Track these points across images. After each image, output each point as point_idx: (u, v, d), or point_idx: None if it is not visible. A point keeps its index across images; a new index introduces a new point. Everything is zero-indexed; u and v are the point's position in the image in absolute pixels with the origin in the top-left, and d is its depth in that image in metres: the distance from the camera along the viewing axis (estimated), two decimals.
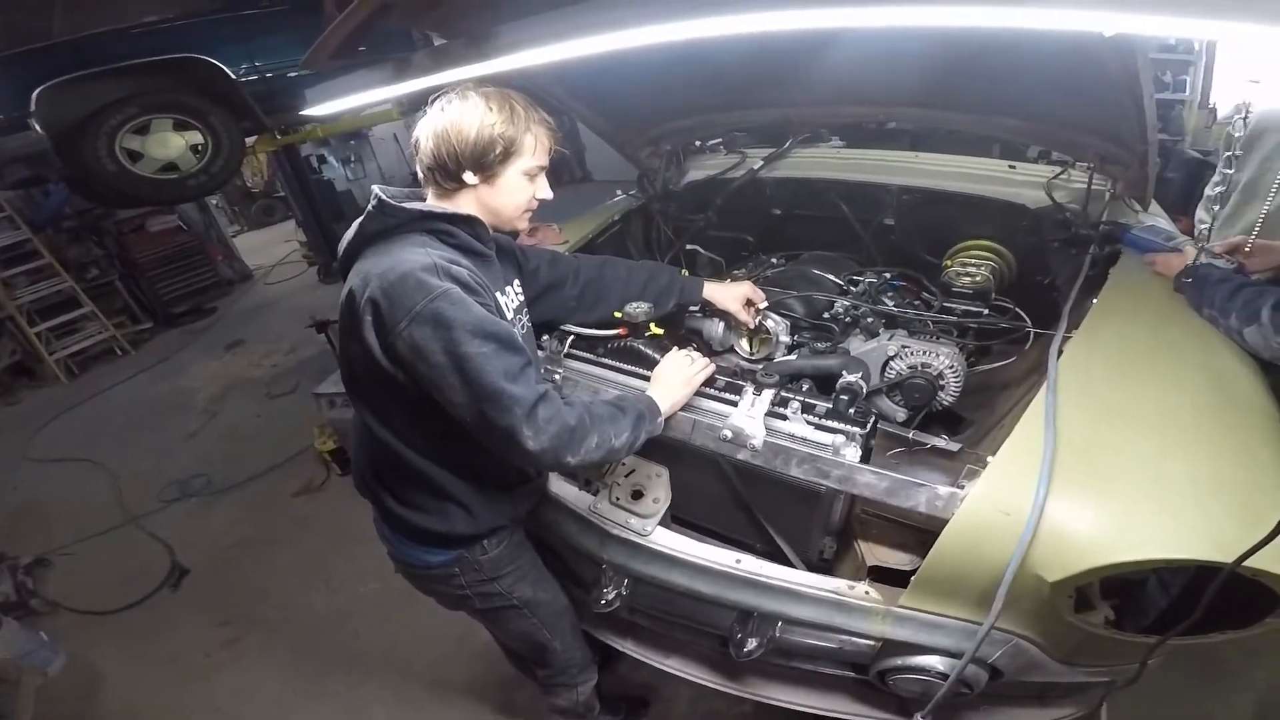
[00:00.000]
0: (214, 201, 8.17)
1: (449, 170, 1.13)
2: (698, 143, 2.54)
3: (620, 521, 1.39)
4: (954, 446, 1.18)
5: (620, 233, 2.41)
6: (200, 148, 3.65)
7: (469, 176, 1.13)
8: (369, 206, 1.15)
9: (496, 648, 1.84)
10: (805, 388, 1.40)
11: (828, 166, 2.24)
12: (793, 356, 1.53)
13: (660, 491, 1.42)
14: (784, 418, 1.31)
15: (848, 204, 2.19)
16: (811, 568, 1.40)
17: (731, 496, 1.47)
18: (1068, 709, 1.33)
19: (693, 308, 1.71)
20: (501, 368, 1.05)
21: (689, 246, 2.37)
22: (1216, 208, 2.06)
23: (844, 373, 1.37)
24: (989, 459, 1.09)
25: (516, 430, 1.05)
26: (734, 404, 1.35)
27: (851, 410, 1.30)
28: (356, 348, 1.13)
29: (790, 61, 1.84)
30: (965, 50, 1.55)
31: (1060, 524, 0.97)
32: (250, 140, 4.19)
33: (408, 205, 1.14)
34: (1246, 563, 0.83)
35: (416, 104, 1.23)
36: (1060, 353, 1.29)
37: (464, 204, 1.19)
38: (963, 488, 1.08)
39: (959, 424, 1.73)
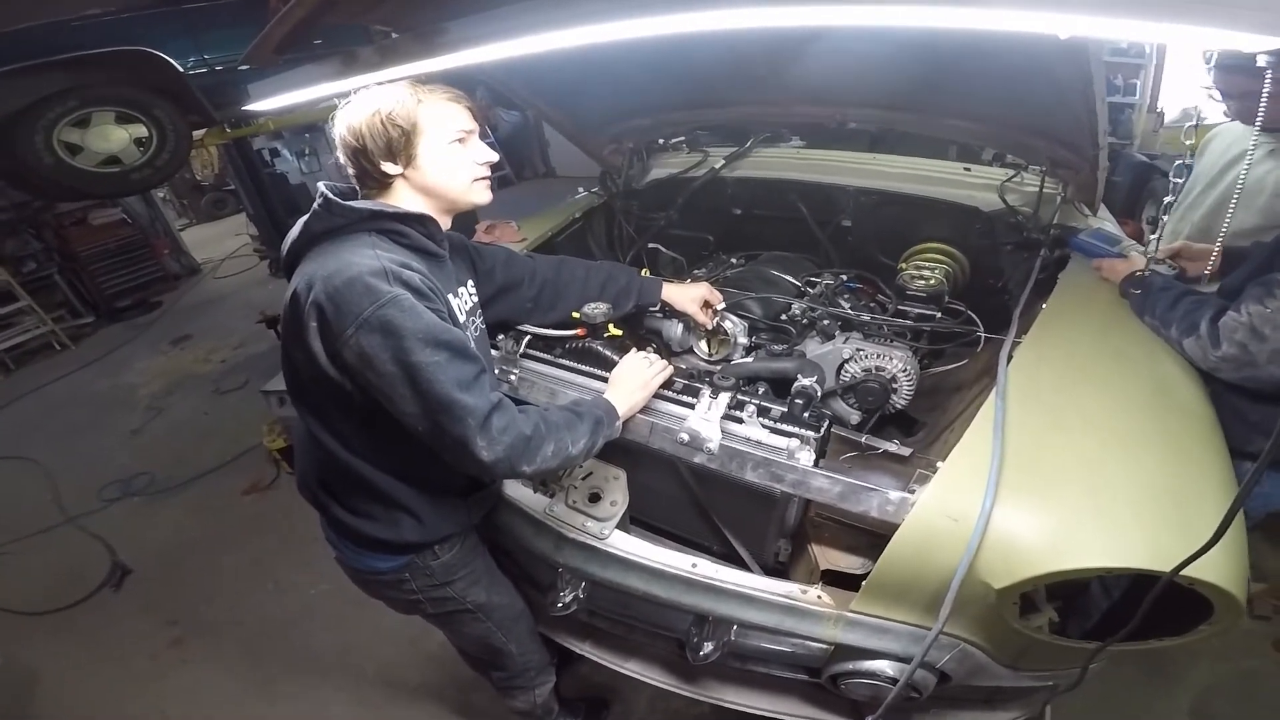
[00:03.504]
0: (161, 195, 7.81)
1: (369, 171, 1.11)
2: (660, 141, 2.52)
3: (577, 525, 1.37)
4: (905, 451, 1.19)
5: (581, 230, 2.38)
6: (144, 141, 3.49)
7: (389, 167, 1.11)
8: (315, 204, 1.11)
9: (453, 649, 1.81)
10: (761, 390, 1.40)
11: (788, 167, 2.25)
12: (749, 359, 1.53)
13: (618, 494, 1.40)
14: (740, 421, 1.30)
15: (806, 204, 2.20)
16: (767, 570, 1.41)
17: (688, 499, 1.47)
18: (1014, 711, 1.36)
19: (652, 308, 1.70)
20: (454, 377, 1.02)
21: (650, 245, 2.35)
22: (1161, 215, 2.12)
23: (799, 376, 1.38)
24: (939, 464, 1.10)
25: (470, 440, 1.03)
26: (691, 406, 1.34)
27: (806, 414, 1.30)
28: (300, 354, 1.09)
29: (752, 60, 1.84)
30: (924, 52, 1.56)
31: (1006, 531, 0.98)
32: (199, 133, 4.04)
33: (356, 204, 1.10)
34: (1184, 572, 0.85)
35: None
36: (1010, 358, 1.31)
37: (405, 199, 1.15)
38: (913, 493, 1.09)
39: (912, 426, 1.76)
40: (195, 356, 5.20)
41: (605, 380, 1.39)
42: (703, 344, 1.72)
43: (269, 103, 1.52)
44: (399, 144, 1.09)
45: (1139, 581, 0.96)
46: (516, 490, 1.46)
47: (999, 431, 1.10)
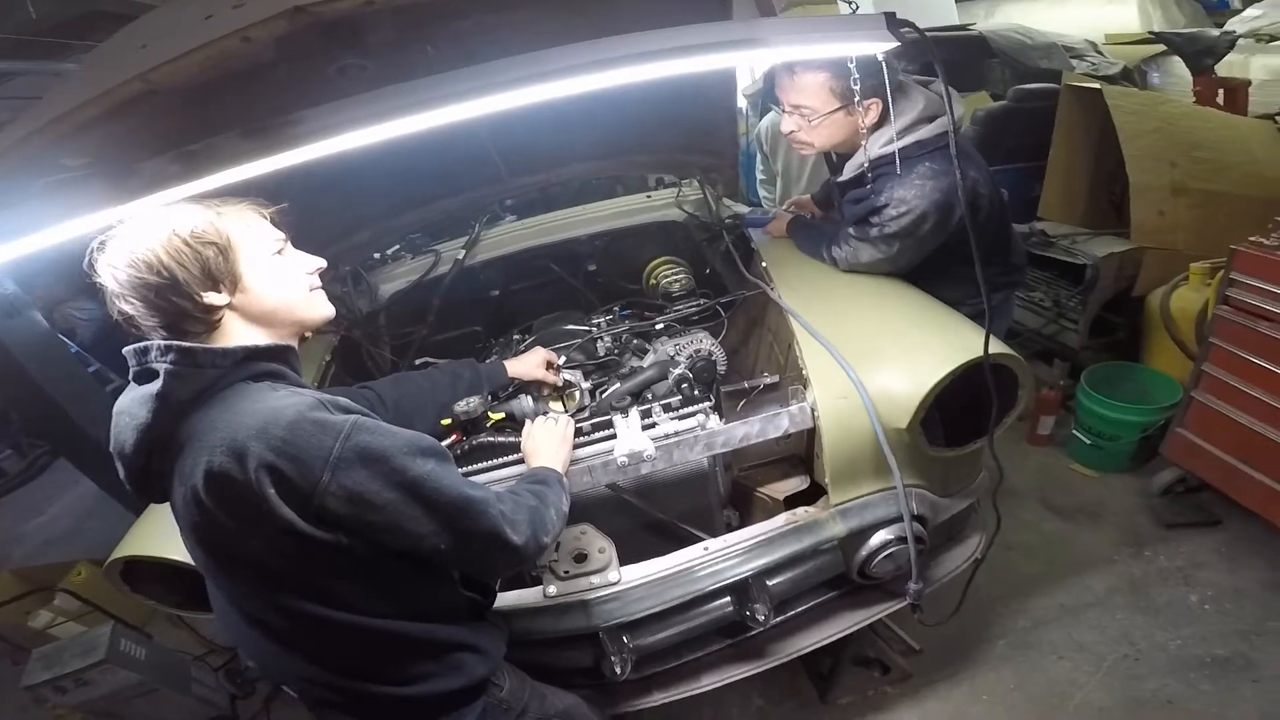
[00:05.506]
0: None
1: (186, 310, 0.91)
2: (376, 255, 2.49)
3: (586, 586, 1.37)
4: (775, 378, 1.53)
5: (340, 371, 2.20)
6: None
7: (214, 297, 0.92)
8: (164, 366, 0.88)
9: None
10: (651, 397, 1.60)
11: (521, 238, 2.49)
12: (616, 385, 1.70)
13: (600, 541, 1.44)
14: (655, 424, 1.49)
15: (555, 263, 2.46)
16: None
17: (635, 521, 1.58)
18: (975, 535, 1.74)
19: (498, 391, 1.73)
20: (455, 476, 0.98)
21: (419, 361, 2.30)
22: (768, 189, 3.03)
23: (671, 371, 1.63)
24: (805, 374, 1.47)
25: (500, 530, 0.98)
26: (610, 438, 1.47)
27: (695, 392, 1.56)
28: (261, 539, 0.89)
29: (454, 152, 1.98)
30: (607, 109, 1.93)
31: (879, 387, 1.38)
32: None
33: (227, 346, 0.93)
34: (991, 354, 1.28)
35: None
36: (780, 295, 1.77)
37: (241, 335, 0.97)
38: (806, 399, 1.44)
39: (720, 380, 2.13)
40: None
41: (520, 461, 1.41)
42: (555, 404, 1.82)
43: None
44: (218, 265, 0.91)
45: (939, 401, 1.40)
46: (503, 598, 1.37)
47: (817, 334, 1.52)
